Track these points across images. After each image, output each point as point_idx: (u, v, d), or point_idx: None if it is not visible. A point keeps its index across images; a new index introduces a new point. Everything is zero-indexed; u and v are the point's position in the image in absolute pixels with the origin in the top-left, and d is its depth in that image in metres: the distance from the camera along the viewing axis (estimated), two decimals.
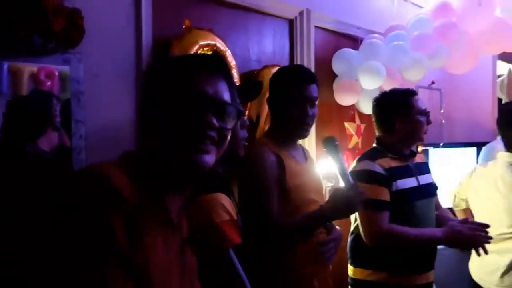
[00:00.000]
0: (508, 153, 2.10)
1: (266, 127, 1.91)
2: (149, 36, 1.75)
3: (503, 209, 2.05)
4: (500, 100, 4.24)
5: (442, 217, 1.91)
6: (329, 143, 1.44)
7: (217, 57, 1.54)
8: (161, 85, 0.77)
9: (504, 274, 2.07)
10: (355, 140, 2.70)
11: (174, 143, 0.74)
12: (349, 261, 1.91)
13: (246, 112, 2.01)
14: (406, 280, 1.75)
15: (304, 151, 1.69)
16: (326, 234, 1.52)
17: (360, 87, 2.52)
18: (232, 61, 1.92)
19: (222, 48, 1.88)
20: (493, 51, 3.03)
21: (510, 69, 4.40)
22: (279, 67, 1.88)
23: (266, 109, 1.90)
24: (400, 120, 1.83)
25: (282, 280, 1.44)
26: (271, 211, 1.42)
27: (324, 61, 2.57)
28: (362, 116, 2.73)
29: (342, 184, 1.43)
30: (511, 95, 4.26)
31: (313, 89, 1.55)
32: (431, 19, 2.70)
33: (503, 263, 2.07)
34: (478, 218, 2.17)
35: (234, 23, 2.15)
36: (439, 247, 1.88)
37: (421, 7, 3.08)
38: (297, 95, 1.52)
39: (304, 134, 1.58)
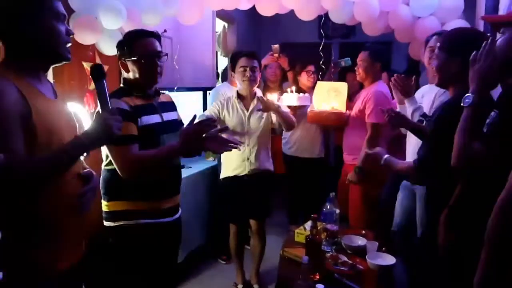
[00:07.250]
0: None
1: None
2: None
3: None
4: (217, 52, 4.91)
5: None
6: (96, 69, 1.48)
7: None
8: None
9: None
10: None
11: None
12: (102, 197, 1.93)
13: None
14: (155, 205, 1.93)
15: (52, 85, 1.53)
16: (82, 184, 1.46)
17: (101, 26, 2.43)
18: None
19: None
20: (214, 7, 3.43)
21: (224, 26, 5.12)
22: None
23: None
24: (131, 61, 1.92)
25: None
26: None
27: None
28: (103, 57, 2.66)
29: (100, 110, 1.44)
30: (225, 48, 5.00)
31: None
32: None
33: None
34: None
35: None
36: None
37: None
38: None
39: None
